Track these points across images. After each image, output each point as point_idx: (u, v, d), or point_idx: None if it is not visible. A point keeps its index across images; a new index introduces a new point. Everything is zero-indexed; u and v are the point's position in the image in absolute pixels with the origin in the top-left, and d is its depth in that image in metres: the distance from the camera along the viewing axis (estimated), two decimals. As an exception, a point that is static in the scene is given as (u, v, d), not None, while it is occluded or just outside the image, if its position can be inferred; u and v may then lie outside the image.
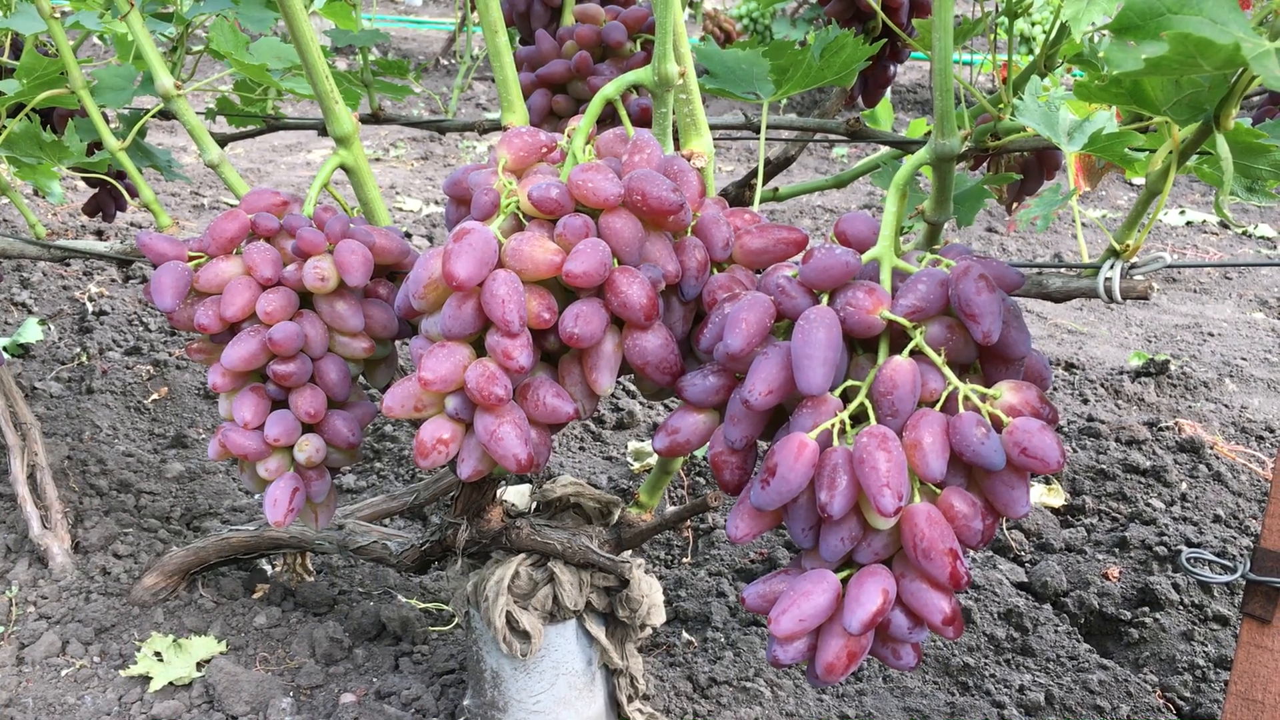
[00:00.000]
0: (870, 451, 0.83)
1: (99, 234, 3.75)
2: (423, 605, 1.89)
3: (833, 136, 1.95)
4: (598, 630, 1.48)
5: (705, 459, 2.43)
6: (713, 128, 1.65)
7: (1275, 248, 4.41)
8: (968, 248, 0.91)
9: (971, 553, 2.09)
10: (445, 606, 1.89)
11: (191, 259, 1.18)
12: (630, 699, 1.55)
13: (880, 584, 0.87)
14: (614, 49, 1.57)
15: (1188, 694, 1.75)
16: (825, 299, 0.89)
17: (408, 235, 4.10)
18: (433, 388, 0.95)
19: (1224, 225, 4.59)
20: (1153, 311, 3.70)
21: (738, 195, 1.86)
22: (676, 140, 1.17)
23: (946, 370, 0.86)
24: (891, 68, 1.74)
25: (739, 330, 0.88)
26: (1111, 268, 0.95)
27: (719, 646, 1.79)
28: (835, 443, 0.86)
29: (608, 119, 1.49)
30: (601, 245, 0.93)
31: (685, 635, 1.83)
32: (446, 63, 7.89)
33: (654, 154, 0.99)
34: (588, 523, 1.48)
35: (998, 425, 0.85)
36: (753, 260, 1.02)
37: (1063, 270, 1.01)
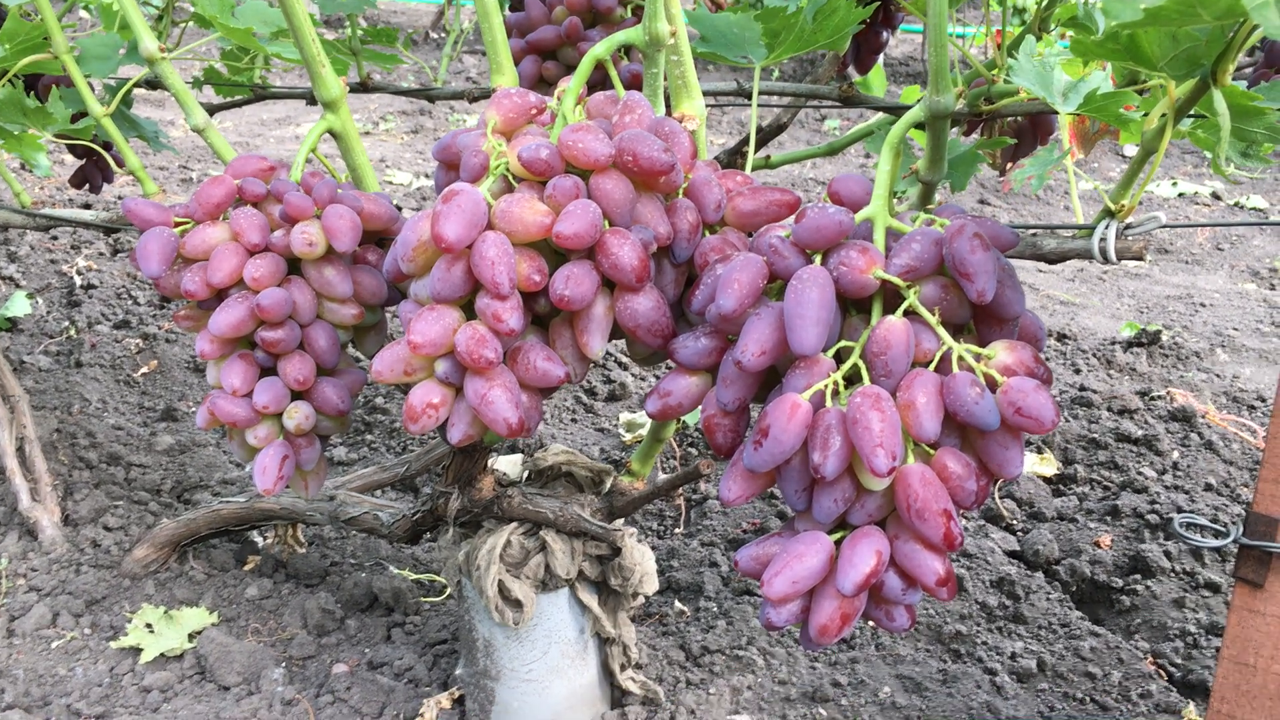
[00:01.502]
0: (864, 412, 0.82)
1: (86, 207, 3.72)
2: (414, 576, 1.89)
3: (825, 105, 1.93)
4: (590, 599, 1.48)
5: (698, 428, 2.42)
6: (705, 93, 1.64)
7: (1267, 218, 4.40)
8: (961, 208, 0.90)
9: (964, 521, 2.09)
10: (437, 577, 1.89)
11: (178, 225, 1.16)
12: (623, 667, 1.55)
13: (874, 545, 0.86)
14: (604, 14, 1.55)
15: (1179, 660, 1.75)
16: (818, 259, 0.88)
17: (398, 209, 4.08)
18: (422, 351, 0.94)
19: (1215, 197, 4.59)
20: (1145, 282, 3.70)
21: (729, 163, 1.84)
22: (668, 103, 1.15)
23: (941, 330, 0.86)
24: (884, 33, 1.73)
25: (731, 291, 0.87)
26: (1107, 228, 0.95)
27: (711, 616, 1.79)
28: (829, 403, 0.86)
29: (598, 84, 1.47)
30: (592, 206, 0.92)
31: (678, 605, 1.83)
32: (436, 36, 7.84)
33: (645, 115, 0.98)
34: (580, 491, 1.47)
35: (992, 385, 0.85)
36: (745, 222, 1.01)
37: (1059, 231, 1.01)
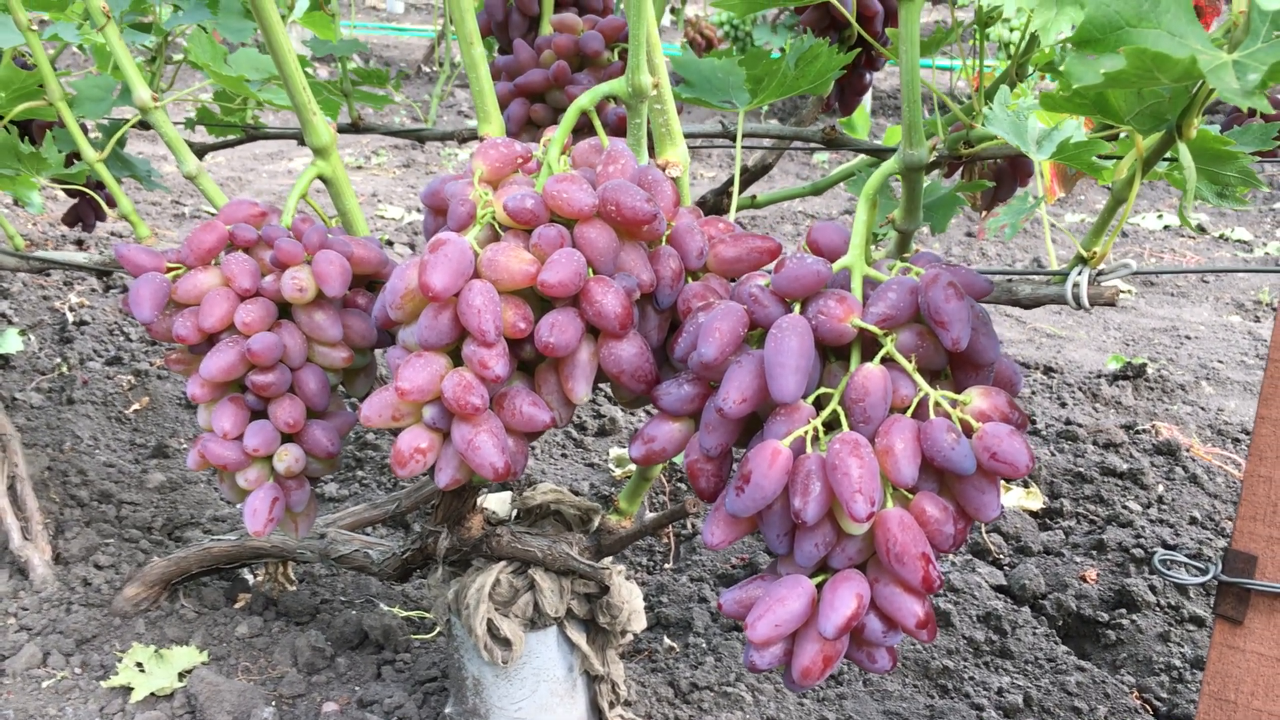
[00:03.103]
0: (843, 458, 0.84)
1: (79, 244, 3.74)
2: (405, 613, 1.89)
3: (811, 144, 1.96)
4: (579, 637, 1.49)
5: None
6: (689, 136, 1.66)
7: (1252, 250, 4.45)
8: (937, 256, 0.92)
9: (950, 556, 2.11)
10: (427, 614, 1.89)
11: (169, 270, 1.18)
12: (612, 705, 1.56)
13: (854, 589, 0.88)
14: (592, 58, 1.58)
15: (1164, 694, 1.76)
16: (798, 307, 0.90)
17: (389, 243, 4.11)
18: (410, 397, 0.96)
19: (1201, 230, 4.63)
20: (1130, 315, 3.73)
21: (716, 203, 1.87)
22: (652, 149, 1.18)
23: (917, 377, 0.88)
24: (867, 75, 1.76)
25: (713, 339, 0.89)
26: (1080, 274, 0.97)
27: (700, 652, 1.80)
28: (809, 449, 0.87)
29: (585, 128, 1.50)
30: (576, 255, 0.94)
31: (667, 641, 1.84)
32: (428, 70, 7.89)
33: (628, 164, 1.00)
34: (568, 529, 1.49)
35: (968, 431, 0.87)
36: (727, 269, 1.03)
37: (1033, 277, 1.03)
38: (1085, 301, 0.96)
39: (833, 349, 0.91)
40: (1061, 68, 0.68)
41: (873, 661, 0.92)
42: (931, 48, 1.42)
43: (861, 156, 1.71)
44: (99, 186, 1.97)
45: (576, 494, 2.27)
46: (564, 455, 2.57)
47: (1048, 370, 3.09)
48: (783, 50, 1.47)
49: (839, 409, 0.88)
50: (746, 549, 2.14)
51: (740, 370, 0.88)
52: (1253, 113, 1.55)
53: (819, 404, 0.90)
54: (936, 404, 0.87)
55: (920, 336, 0.88)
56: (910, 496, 0.88)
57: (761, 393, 0.88)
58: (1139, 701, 1.75)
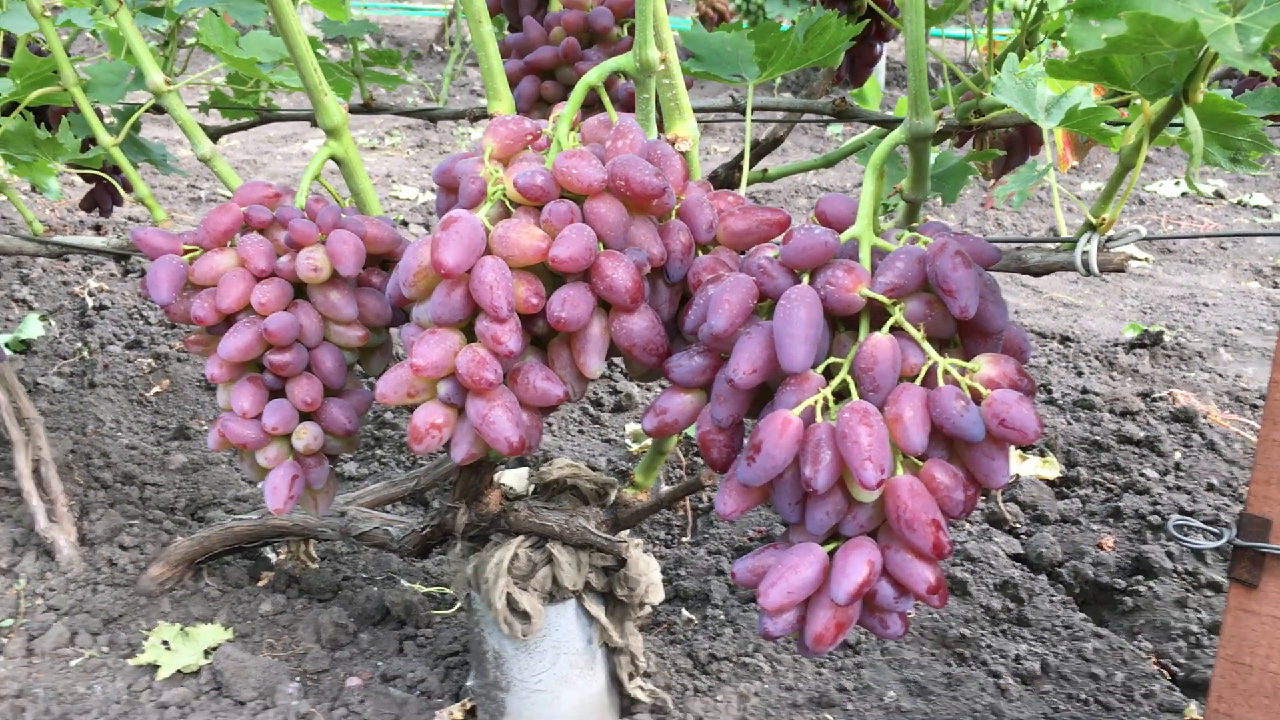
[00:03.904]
0: (852, 426, 0.85)
1: (97, 228, 3.77)
2: (425, 589, 1.91)
3: (822, 117, 1.96)
4: (597, 609, 1.50)
5: (703, 439, 2.45)
6: (698, 111, 1.67)
7: (1270, 216, 4.41)
8: (945, 225, 0.92)
9: (967, 525, 2.11)
10: (447, 590, 1.92)
11: (186, 252, 1.19)
12: (631, 676, 1.58)
13: (866, 555, 0.89)
14: (601, 34, 1.58)
15: (1182, 660, 1.77)
16: (806, 278, 0.90)
17: (404, 223, 4.12)
18: (425, 374, 0.97)
19: (1219, 195, 4.60)
20: (1148, 283, 3.71)
21: (728, 177, 1.87)
22: (662, 125, 1.18)
23: (926, 345, 0.88)
24: (877, 46, 1.75)
25: (722, 311, 0.90)
26: (1089, 241, 0.97)
27: (719, 623, 1.82)
28: (819, 419, 0.88)
29: (595, 104, 1.50)
30: (586, 230, 0.95)
31: (685, 613, 1.86)
32: (440, 49, 7.88)
33: (637, 139, 1.00)
34: (585, 504, 1.50)
35: (977, 398, 0.87)
36: (737, 241, 1.03)
37: (1043, 245, 1.03)
38: (1094, 268, 0.96)
39: (841, 319, 0.92)
40: (1064, 34, 0.69)
41: (885, 627, 0.94)
42: (941, 16, 1.42)
43: (873, 128, 1.71)
44: (115, 171, 1.99)
45: (593, 469, 2.28)
46: (581, 431, 2.58)
47: (1064, 339, 3.08)
48: (794, 23, 1.47)
49: (848, 378, 0.89)
50: (764, 521, 2.15)
51: (750, 341, 0.89)
52: (1264, 77, 1.54)
53: (828, 373, 0.91)
54: (945, 372, 0.88)
55: (928, 305, 0.89)
56: (920, 464, 0.89)
57: (771, 363, 0.88)
58: (1156, 667, 1.76)
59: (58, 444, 2.26)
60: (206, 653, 1.73)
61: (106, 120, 1.93)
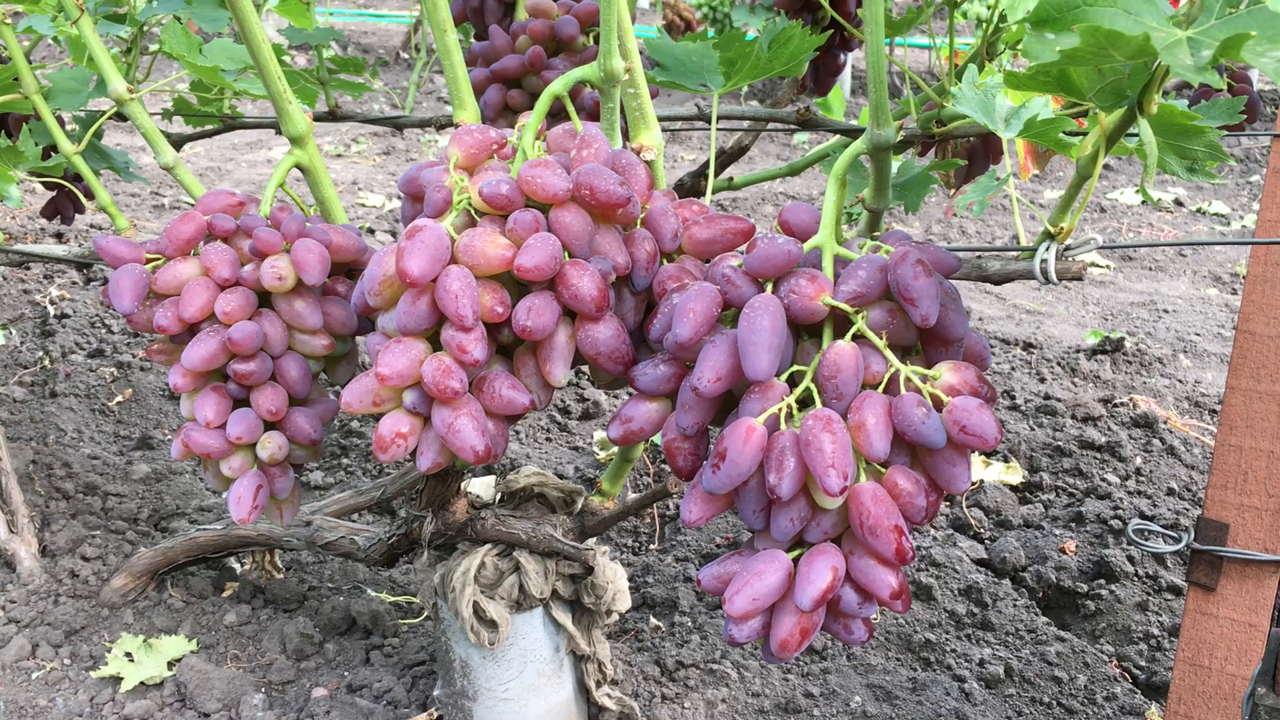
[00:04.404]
0: (816, 434, 0.85)
1: (59, 236, 3.73)
2: (392, 599, 1.91)
3: (788, 126, 1.98)
4: (564, 617, 1.51)
5: (670, 446, 2.45)
6: (663, 119, 1.67)
7: (1229, 224, 4.48)
8: (907, 234, 0.93)
9: (932, 531, 2.13)
10: (414, 599, 1.91)
11: (149, 261, 1.19)
12: (599, 684, 1.58)
13: (830, 562, 0.89)
14: (567, 43, 1.58)
15: (1143, 663, 1.79)
16: (770, 287, 0.91)
17: (370, 231, 4.11)
18: (390, 383, 0.97)
19: (1178, 204, 4.66)
20: (1109, 290, 3.76)
21: (694, 185, 1.88)
22: (627, 133, 1.19)
23: (888, 353, 0.89)
24: (842, 56, 1.77)
25: (687, 320, 0.90)
26: (1047, 250, 0.99)
27: (686, 630, 1.82)
28: (783, 426, 0.89)
29: (562, 113, 1.50)
30: (552, 239, 0.95)
31: (653, 620, 1.86)
32: (407, 57, 7.86)
33: (602, 148, 1.01)
34: (552, 512, 1.50)
35: (938, 405, 0.88)
36: (701, 250, 1.04)
37: (1002, 253, 1.04)
38: (1053, 276, 0.97)
39: (805, 327, 0.93)
40: (1020, 46, 0.70)
41: (849, 633, 0.94)
42: (903, 27, 1.44)
43: (837, 137, 1.72)
44: (77, 179, 1.97)
45: (561, 477, 2.28)
46: (549, 439, 2.58)
47: (1027, 346, 3.12)
48: (759, 32, 1.48)
49: (812, 386, 0.90)
50: (731, 528, 2.16)
51: (714, 350, 0.89)
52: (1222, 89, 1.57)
53: (792, 381, 0.92)
54: (907, 379, 0.89)
55: (890, 313, 0.90)
56: (883, 470, 0.90)
57: (735, 371, 0.89)
58: (1118, 670, 1.78)
59: (18, 454, 2.23)
60: (170, 664, 1.71)
61: (68, 128, 1.91)
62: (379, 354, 0.98)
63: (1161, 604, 1.91)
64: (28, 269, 3.41)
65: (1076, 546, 2.06)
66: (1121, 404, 2.64)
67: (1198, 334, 3.29)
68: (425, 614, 1.86)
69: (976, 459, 2.35)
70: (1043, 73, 0.82)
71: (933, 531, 2.13)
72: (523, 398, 1.01)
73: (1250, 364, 1.30)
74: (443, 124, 1.98)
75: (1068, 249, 0.97)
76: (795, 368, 0.92)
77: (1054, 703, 1.68)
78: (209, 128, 2.19)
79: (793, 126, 1.67)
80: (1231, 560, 1.31)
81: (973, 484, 2.26)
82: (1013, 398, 2.72)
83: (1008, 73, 0.87)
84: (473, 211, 1.00)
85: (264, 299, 1.19)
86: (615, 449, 2.47)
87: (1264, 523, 1.29)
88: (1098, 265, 3.85)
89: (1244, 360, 1.31)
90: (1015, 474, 2.32)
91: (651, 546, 2.13)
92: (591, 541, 1.48)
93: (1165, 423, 2.53)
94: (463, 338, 0.95)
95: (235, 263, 1.17)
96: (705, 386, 0.89)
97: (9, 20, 1.46)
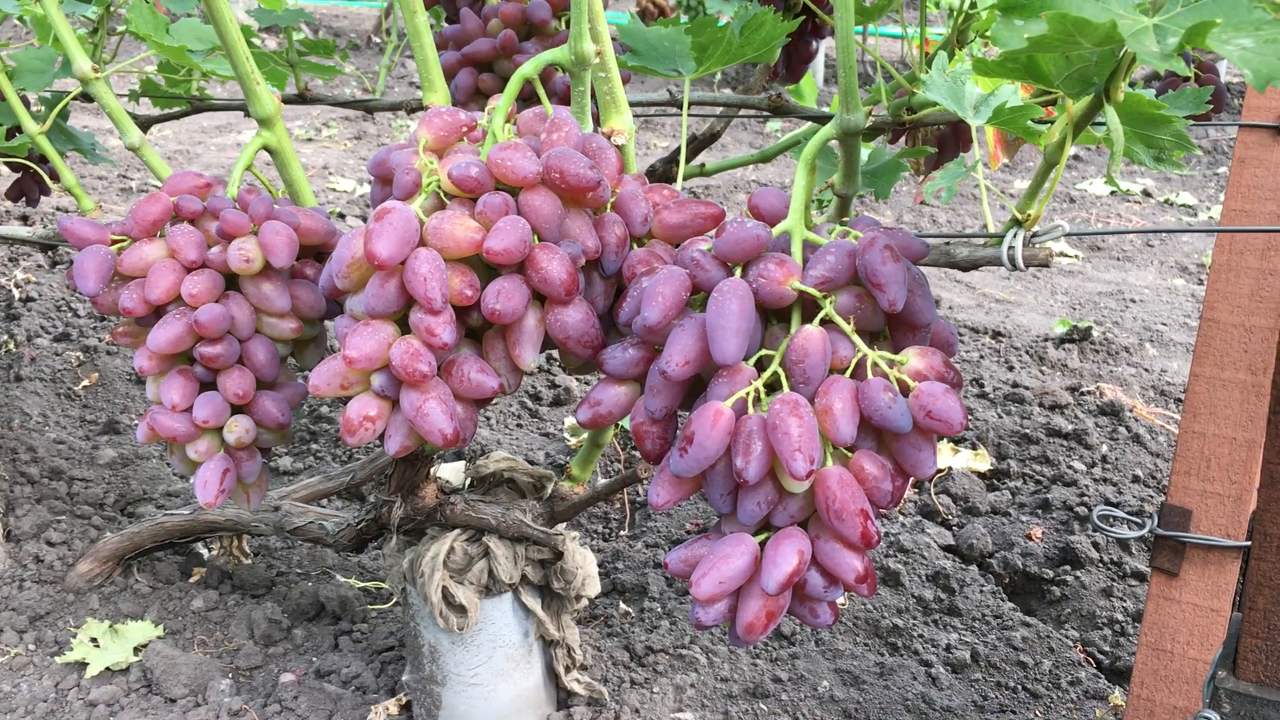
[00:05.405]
0: (783, 418, 0.86)
1: (24, 219, 3.69)
2: (361, 584, 1.90)
3: (760, 112, 1.98)
4: (533, 603, 1.51)
5: (641, 433, 2.45)
6: (635, 105, 1.67)
7: (1196, 214, 4.52)
8: (875, 220, 0.94)
9: (901, 517, 2.15)
10: (383, 585, 1.90)
11: (115, 243, 1.18)
12: (568, 669, 1.58)
13: (796, 545, 0.90)
14: (539, 27, 1.58)
15: (1107, 648, 1.81)
16: (739, 271, 0.91)
17: (341, 215, 4.08)
18: (358, 365, 0.97)
19: (1146, 194, 4.70)
20: (1077, 279, 3.79)
21: (665, 171, 1.88)
22: (599, 118, 1.18)
23: (856, 338, 0.90)
24: (814, 43, 1.77)
25: (655, 303, 0.90)
26: (1015, 237, 0.99)
27: (655, 616, 1.82)
28: (750, 410, 0.89)
29: (533, 97, 1.50)
30: (521, 223, 0.95)
31: (623, 606, 1.86)
32: (379, 40, 7.81)
33: (572, 132, 1.01)
34: (521, 497, 1.50)
35: (905, 390, 0.89)
36: (671, 235, 1.04)
37: (970, 240, 1.05)
38: (1020, 263, 0.98)
39: (773, 311, 0.93)
40: (988, 33, 0.70)
41: (815, 616, 0.95)
42: (874, 14, 1.44)
43: (809, 124, 1.72)
44: (42, 160, 1.95)
45: (532, 463, 2.28)
46: (519, 425, 2.58)
47: (996, 334, 3.14)
48: (732, 18, 1.48)
49: (780, 370, 0.90)
50: (701, 514, 2.16)
51: (683, 333, 0.89)
52: (1188, 77, 1.58)
53: (760, 365, 0.92)
54: (874, 364, 0.89)
55: (858, 298, 0.90)
56: (849, 455, 0.90)
57: (704, 355, 0.89)
58: (1082, 655, 1.80)
59: (-18, 439, 2.21)
60: (136, 650, 1.70)
61: (34, 108, 1.89)
62: (347, 337, 0.97)
63: (1126, 590, 1.93)
64: (-8, 252, 3.37)
65: (1043, 533, 2.08)
66: (1088, 392, 2.66)
67: (1164, 323, 3.33)
68: (394, 599, 1.85)
69: (945, 446, 2.37)
70: (1011, 60, 0.82)
71: (901, 518, 2.15)
72: (491, 381, 1.00)
73: (1214, 352, 1.32)
74: (414, 108, 1.97)
75: (1035, 236, 0.98)
76: (763, 352, 0.92)
77: (1019, 687, 1.70)
78: (177, 109, 2.17)
79: (765, 113, 1.68)
80: (1194, 546, 1.33)
81: (941, 471, 2.27)
82: (981, 386, 2.74)
83: (977, 60, 0.87)
84: (442, 194, 1.00)
85: (231, 281, 1.19)
86: (586, 435, 2.47)
87: (1226, 509, 1.31)
88: (1066, 255, 3.88)
89: (1208, 348, 1.33)
90: (983, 461, 2.34)
91: (622, 532, 2.13)
92: (561, 527, 1.48)
93: (1131, 411, 2.55)
94: (431, 320, 0.95)
95: (202, 245, 1.16)
96: (673, 370, 0.89)
97: (-28, -2, 1.44)
